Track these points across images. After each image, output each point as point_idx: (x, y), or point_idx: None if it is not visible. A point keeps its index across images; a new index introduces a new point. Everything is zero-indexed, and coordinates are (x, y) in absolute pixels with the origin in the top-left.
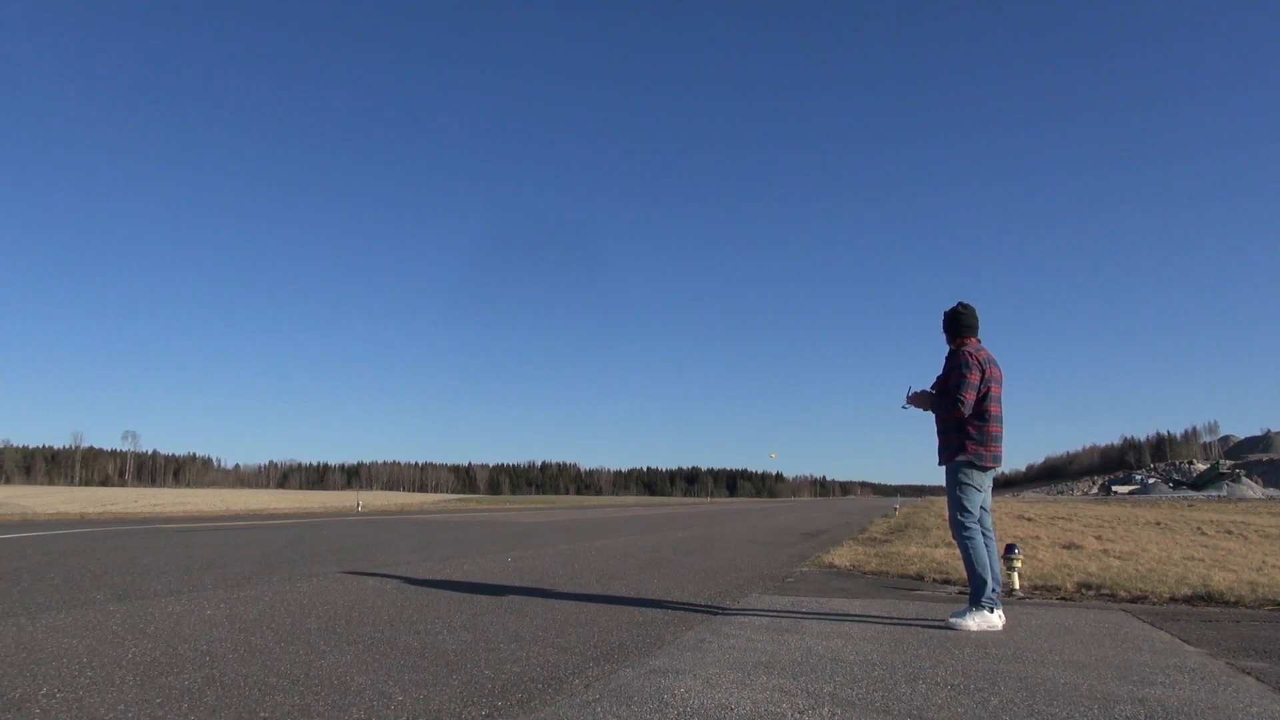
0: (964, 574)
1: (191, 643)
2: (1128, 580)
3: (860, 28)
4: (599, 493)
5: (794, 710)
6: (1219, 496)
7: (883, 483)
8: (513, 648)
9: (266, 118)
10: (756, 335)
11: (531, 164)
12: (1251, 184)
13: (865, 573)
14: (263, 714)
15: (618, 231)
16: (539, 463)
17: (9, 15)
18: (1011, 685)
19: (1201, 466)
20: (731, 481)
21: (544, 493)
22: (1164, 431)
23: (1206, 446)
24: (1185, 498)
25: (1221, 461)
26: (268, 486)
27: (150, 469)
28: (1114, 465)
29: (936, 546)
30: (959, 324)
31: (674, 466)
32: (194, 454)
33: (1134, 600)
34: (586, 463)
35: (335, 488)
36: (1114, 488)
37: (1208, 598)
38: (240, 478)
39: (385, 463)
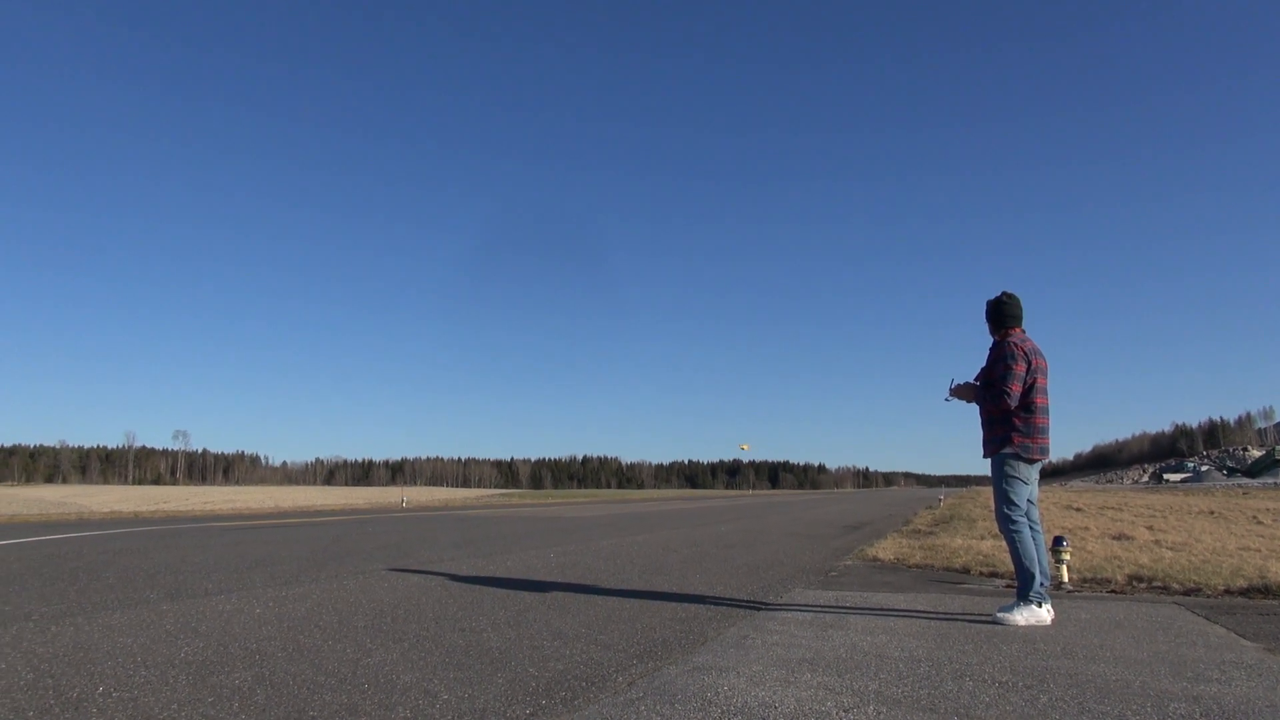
0: (1011, 567)
1: (241, 641)
2: (1180, 572)
3: (860, 24)
4: (640, 486)
5: (839, 708)
6: (1275, 484)
7: (926, 473)
8: (556, 645)
9: (337, 125)
10: (799, 328)
11: (537, 160)
12: None
13: (910, 566)
14: (311, 713)
15: (639, 230)
16: (580, 457)
17: (13, 13)
18: (1061, 682)
19: (1257, 453)
20: (773, 473)
21: (586, 486)
22: (1216, 417)
23: (1261, 432)
24: (1240, 485)
25: (1277, 448)
26: (314, 483)
27: (200, 467)
28: (1165, 453)
29: (983, 538)
30: (1002, 314)
31: (715, 459)
32: (242, 452)
33: (1187, 593)
34: (628, 456)
35: (380, 484)
36: (1165, 476)
37: (1265, 590)
38: (288, 475)
39: (429, 458)
